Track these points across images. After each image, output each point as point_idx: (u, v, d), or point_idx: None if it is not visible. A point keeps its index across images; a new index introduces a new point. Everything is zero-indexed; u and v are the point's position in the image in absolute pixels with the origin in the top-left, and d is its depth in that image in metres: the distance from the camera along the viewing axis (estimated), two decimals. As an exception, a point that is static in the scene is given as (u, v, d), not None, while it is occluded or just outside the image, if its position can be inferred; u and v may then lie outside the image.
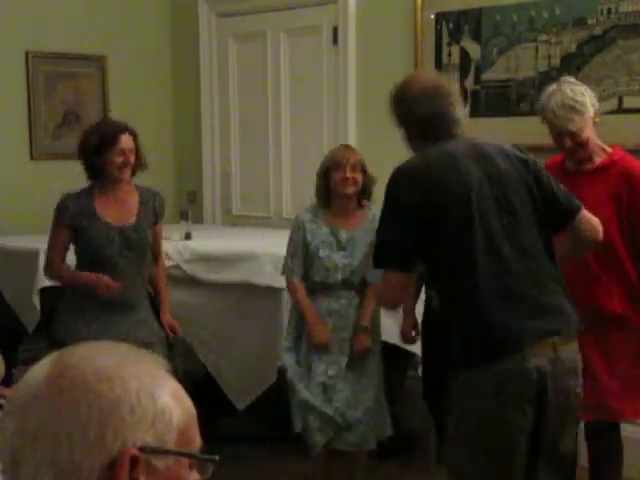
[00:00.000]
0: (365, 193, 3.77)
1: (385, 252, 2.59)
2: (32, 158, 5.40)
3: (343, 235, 3.75)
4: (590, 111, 3.15)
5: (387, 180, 2.65)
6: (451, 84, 2.86)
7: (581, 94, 3.15)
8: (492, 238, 2.53)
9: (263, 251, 4.23)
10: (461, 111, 2.73)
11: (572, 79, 3.30)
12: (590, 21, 4.09)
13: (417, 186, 2.54)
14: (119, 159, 3.58)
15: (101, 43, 5.57)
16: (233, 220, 5.71)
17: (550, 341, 2.55)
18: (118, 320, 3.63)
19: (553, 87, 3.22)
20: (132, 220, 3.69)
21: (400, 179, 2.59)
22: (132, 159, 3.62)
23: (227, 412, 4.29)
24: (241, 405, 4.24)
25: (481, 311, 2.51)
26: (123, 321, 3.64)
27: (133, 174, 3.69)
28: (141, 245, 3.70)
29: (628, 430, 3.87)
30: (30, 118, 5.36)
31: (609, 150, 3.24)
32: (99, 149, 3.58)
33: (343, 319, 3.71)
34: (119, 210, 3.69)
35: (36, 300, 4.22)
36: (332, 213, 3.78)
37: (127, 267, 3.65)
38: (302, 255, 3.74)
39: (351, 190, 3.70)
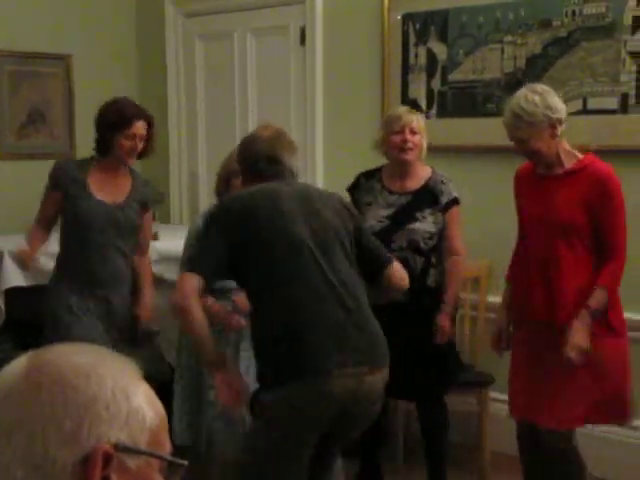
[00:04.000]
0: None
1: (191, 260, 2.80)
2: (-4, 158, 5.35)
3: None
4: (542, 121, 3.06)
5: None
6: (291, 139, 3.00)
7: (534, 104, 3.06)
8: (309, 264, 2.67)
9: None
10: (297, 163, 2.89)
11: (538, 86, 3.19)
12: (555, 23, 4.13)
13: (235, 215, 2.72)
14: (127, 143, 3.61)
15: (66, 42, 5.53)
16: (200, 220, 5.68)
17: (357, 371, 2.66)
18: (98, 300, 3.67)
19: (517, 93, 3.17)
20: (121, 200, 3.70)
21: (221, 209, 2.81)
22: (139, 146, 3.65)
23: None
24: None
25: (295, 332, 2.63)
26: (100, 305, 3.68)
27: (138, 158, 3.74)
28: (125, 226, 3.71)
29: (623, 434, 3.90)
30: (-6, 117, 5.31)
31: (579, 156, 3.18)
32: (112, 127, 3.59)
33: None
34: (111, 188, 3.71)
35: (1, 301, 4.18)
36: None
37: (107, 246, 3.66)
38: None
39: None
